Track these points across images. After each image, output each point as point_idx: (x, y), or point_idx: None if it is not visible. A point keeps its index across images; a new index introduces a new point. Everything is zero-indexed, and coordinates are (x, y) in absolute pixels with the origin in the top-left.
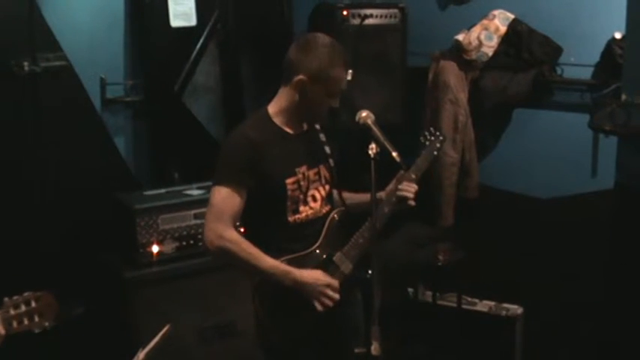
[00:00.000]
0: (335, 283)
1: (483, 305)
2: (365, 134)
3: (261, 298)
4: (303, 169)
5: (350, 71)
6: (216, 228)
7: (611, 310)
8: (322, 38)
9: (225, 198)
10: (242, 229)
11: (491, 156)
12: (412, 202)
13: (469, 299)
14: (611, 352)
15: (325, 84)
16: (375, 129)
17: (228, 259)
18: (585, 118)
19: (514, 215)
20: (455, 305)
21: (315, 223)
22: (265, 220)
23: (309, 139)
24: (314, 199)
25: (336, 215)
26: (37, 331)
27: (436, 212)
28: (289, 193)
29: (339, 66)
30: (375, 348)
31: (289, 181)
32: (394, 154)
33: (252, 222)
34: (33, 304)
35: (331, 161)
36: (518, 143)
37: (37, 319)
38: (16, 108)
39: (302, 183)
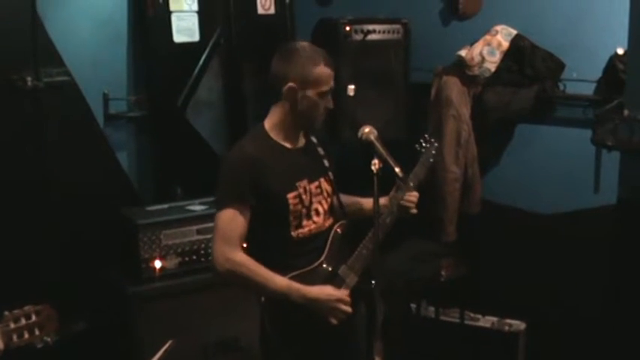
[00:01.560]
0: (346, 297)
1: (486, 321)
2: (368, 150)
3: (270, 316)
4: (304, 182)
5: (352, 86)
6: (224, 251)
7: (614, 325)
8: (298, 43)
9: (230, 219)
10: (245, 245)
11: (494, 171)
12: (414, 211)
13: (472, 315)
14: None
15: (314, 85)
16: (377, 145)
17: (236, 281)
18: (588, 133)
19: (517, 231)
20: (458, 321)
21: (318, 237)
22: (269, 236)
23: (307, 153)
24: (317, 213)
25: (339, 228)
26: (38, 345)
27: (439, 227)
28: (291, 207)
29: (322, 64)
30: None
31: (290, 195)
32: (397, 169)
33: (255, 239)
34: (33, 317)
35: (330, 174)
36: (520, 159)
37: (37, 332)
38: (18, 123)
39: (304, 197)
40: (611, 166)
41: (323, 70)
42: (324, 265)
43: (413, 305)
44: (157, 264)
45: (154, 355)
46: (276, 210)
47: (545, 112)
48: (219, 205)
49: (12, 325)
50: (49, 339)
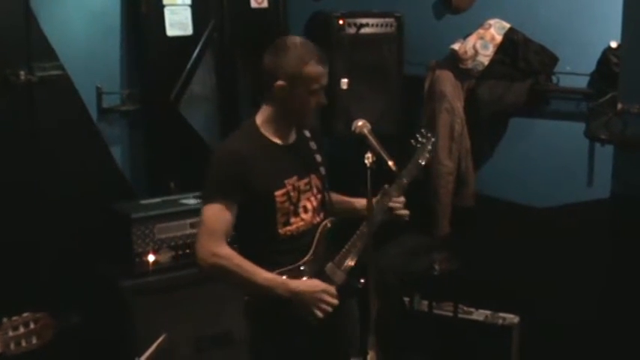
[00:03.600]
0: (331, 289)
1: (479, 314)
2: (361, 143)
3: (253, 314)
4: (293, 180)
5: (345, 80)
6: (209, 245)
7: (608, 318)
8: (291, 39)
9: (215, 214)
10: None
11: (488, 165)
12: (404, 213)
13: (465, 308)
14: None
15: (303, 83)
16: (371, 138)
17: (221, 275)
18: (581, 127)
19: (510, 224)
20: (451, 314)
21: (306, 234)
22: (256, 233)
23: (298, 149)
24: (305, 210)
25: (326, 225)
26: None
27: (432, 221)
28: (278, 205)
29: (314, 61)
30: (371, 357)
31: (278, 193)
32: (390, 163)
33: (242, 236)
34: (32, 325)
35: (322, 169)
36: (514, 152)
37: (34, 340)
38: (11, 117)
39: (292, 194)
40: (604, 159)
41: (313, 69)
42: (309, 263)
43: (406, 299)
44: (151, 258)
45: (147, 349)
46: (263, 207)
47: (539, 106)
48: (206, 200)
49: (10, 333)
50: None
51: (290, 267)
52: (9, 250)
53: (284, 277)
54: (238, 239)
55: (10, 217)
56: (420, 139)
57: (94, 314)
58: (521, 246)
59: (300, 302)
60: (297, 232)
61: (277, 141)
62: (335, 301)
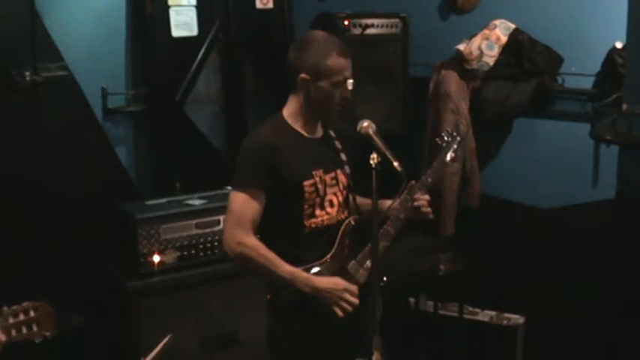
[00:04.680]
0: (353, 288)
1: (485, 315)
2: (366, 144)
3: (276, 312)
4: (320, 172)
5: (351, 81)
6: (236, 234)
7: (613, 319)
8: (315, 33)
9: (243, 203)
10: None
11: (493, 165)
12: (429, 211)
13: (470, 309)
14: None
15: (327, 76)
16: (376, 139)
17: (246, 265)
18: (586, 127)
19: (515, 225)
20: (456, 315)
21: (330, 229)
22: (281, 226)
23: (324, 144)
24: (331, 204)
25: (350, 223)
26: (37, 340)
27: (437, 221)
28: (307, 195)
29: (336, 54)
30: (376, 357)
31: (307, 183)
32: (395, 163)
33: (267, 229)
34: (32, 313)
35: (347, 168)
36: (519, 153)
37: (35, 328)
38: (17, 118)
39: (319, 186)
40: (609, 160)
41: (335, 61)
42: (334, 260)
43: (411, 299)
44: (156, 258)
45: (152, 349)
46: (291, 197)
47: (544, 107)
48: (235, 188)
49: (11, 320)
50: (47, 334)
51: (311, 264)
52: (14, 251)
53: (306, 273)
54: (262, 233)
55: (16, 217)
56: (446, 137)
57: (99, 315)
58: (526, 246)
59: (322, 299)
60: (321, 226)
61: (304, 133)
62: (356, 301)
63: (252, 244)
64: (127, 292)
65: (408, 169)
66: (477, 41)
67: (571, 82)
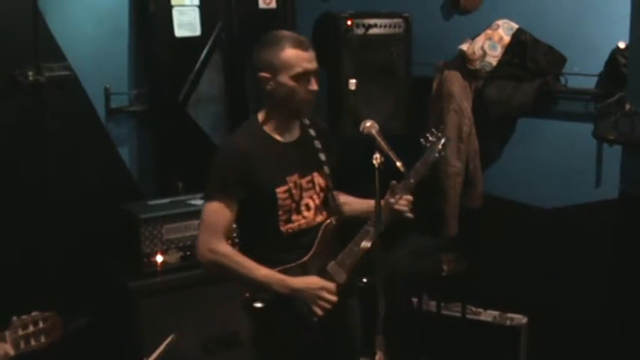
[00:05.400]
0: (331, 286)
1: (487, 315)
2: (369, 144)
3: (252, 313)
4: (295, 177)
5: (354, 81)
6: (208, 242)
7: (616, 319)
8: (271, 32)
9: (215, 211)
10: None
11: (496, 166)
12: (409, 215)
13: (473, 309)
14: None
15: (283, 70)
16: (379, 139)
17: (220, 272)
18: (589, 127)
19: (518, 225)
20: (459, 315)
21: (309, 232)
22: (258, 231)
23: (301, 146)
24: (307, 208)
25: (329, 224)
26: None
27: (440, 222)
28: (280, 202)
29: (289, 47)
30: (379, 358)
31: (280, 190)
32: (398, 164)
33: (245, 234)
34: (40, 324)
35: (326, 168)
36: (522, 153)
37: (43, 339)
38: (20, 117)
39: (294, 192)
40: (612, 160)
41: (290, 53)
42: (311, 261)
43: (414, 299)
44: (159, 258)
45: (155, 349)
46: (264, 204)
47: (547, 107)
48: (207, 198)
49: (20, 332)
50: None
51: (290, 265)
52: (17, 250)
53: (282, 275)
54: (241, 237)
55: (19, 217)
56: (430, 138)
57: (101, 314)
58: (529, 247)
59: (299, 299)
60: (298, 230)
61: (279, 138)
62: (334, 298)
63: (225, 251)
64: (129, 292)
65: (410, 169)
66: (479, 41)
67: (574, 82)
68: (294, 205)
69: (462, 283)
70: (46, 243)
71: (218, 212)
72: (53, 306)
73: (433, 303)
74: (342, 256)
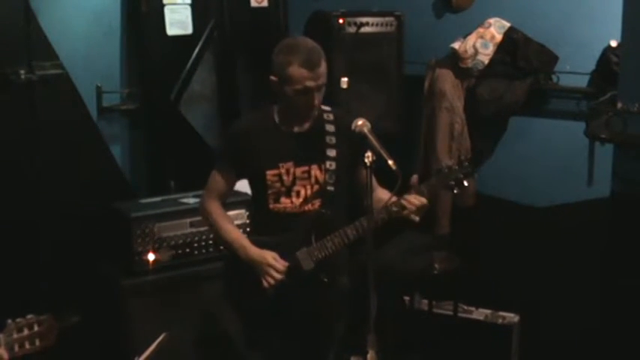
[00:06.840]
0: (279, 266)
1: (479, 313)
2: (361, 142)
3: (229, 264)
4: (289, 165)
5: (345, 79)
6: (204, 199)
7: (608, 317)
8: (291, 39)
9: (214, 177)
10: None
11: (488, 164)
12: (414, 217)
13: (465, 307)
14: None
15: (288, 83)
16: (370, 137)
17: (207, 225)
18: (581, 126)
19: (510, 223)
20: (451, 313)
21: (296, 217)
22: (255, 202)
23: (307, 138)
24: (297, 195)
25: (318, 213)
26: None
27: (432, 220)
28: (269, 183)
29: (297, 64)
30: (371, 356)
31: (270, 172)
32: (390, 162)
33: (252, 201)
34: (35, 327)
35: (330, 164)
36: (514, 151)
37: (38, 343)
38: (12, 116)
39: (284, 177)
40: (604, 158)
41: (295, 71)
42: (287, 242)
43: (406, 298)
44: (150, 257)
45: (147, 348)
46: (256, 182)
47: (539, 105)
48: (214, 164)
49: (15, 335)
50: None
51: (265, 238)
52: (8, 249)
53: (248, 243)
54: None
55: (10, 215)
56: (462, 164)
57: (93, 313)
58: (521, 245)
59: (253, 268)
60: (283, 212)
61: (285, 127)
62: (278, 277)
63: (211, 209)
64: (121, 291)
65: (402, 167)
66: (471, 40)
67: (566, 81)
68: (283, 189)
69: (453, 282)
70: (38, 241)
71: (216, 178)
72: (44, 304)
73: (425, 301)
74: (316, 247)
